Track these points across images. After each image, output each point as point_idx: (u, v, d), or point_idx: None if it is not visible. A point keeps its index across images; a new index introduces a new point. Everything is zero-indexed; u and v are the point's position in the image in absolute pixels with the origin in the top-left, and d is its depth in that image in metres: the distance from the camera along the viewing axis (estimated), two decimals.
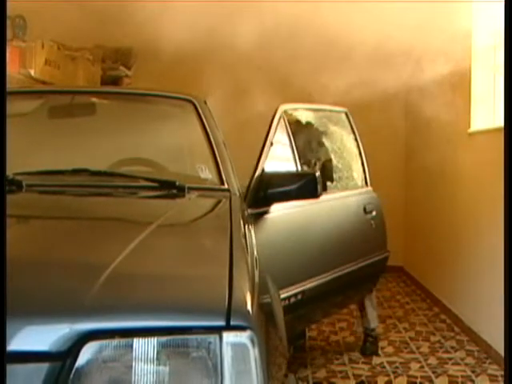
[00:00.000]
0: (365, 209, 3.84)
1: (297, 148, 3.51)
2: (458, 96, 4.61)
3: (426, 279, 5.64)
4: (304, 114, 3.60)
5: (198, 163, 2.57)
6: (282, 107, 3.24)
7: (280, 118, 3.17)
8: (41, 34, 4.68)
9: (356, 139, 4.03)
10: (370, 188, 4.08)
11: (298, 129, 3.81)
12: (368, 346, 4.16)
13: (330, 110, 3.93)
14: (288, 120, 3.40)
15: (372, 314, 4.20)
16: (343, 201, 3.67)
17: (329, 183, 3.85)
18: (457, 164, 4.78)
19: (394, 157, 6.41)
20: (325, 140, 4.11)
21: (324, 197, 3.48)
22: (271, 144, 2.99)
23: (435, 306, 5.18)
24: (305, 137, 3.95)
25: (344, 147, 4.13)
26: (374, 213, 3.91)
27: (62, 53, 4.81)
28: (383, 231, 4.07)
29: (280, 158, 3.22)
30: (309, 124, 3.79)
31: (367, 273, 3.81)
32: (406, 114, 6.25)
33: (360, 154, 4.05)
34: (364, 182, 4.06)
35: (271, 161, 2.99)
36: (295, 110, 3.51)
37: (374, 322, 4.20)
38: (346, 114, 4.01)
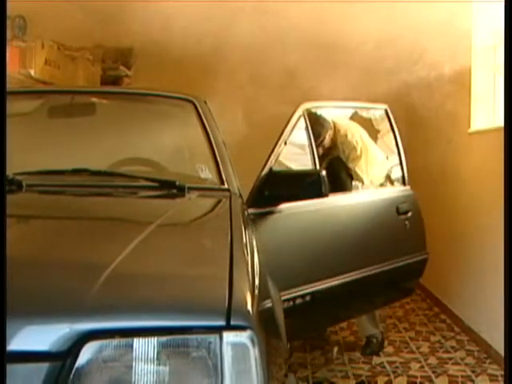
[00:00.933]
0: (397, 209, 3.65)
1: (318, 148, 3.34)
2: (458, 96, 4.61)
3: (426, 279, 5.64)
4: (329, 112, 3.48)
5: (198, 163, 2.57)
6: (304, 106, 3.13)
7: (299, 117, 3.06)
8: (41, 34, 4.67)
9: (395, 137, 3.85)
10: (407, 187, 3.87)
11: (320, 128, 3.72)
12: (370, 345, 4.12)
13: (367, 108, 3.79)
14: (310, 118, 3.22)
15: (370, 320, 4.12)
16: (367, 200, 3.54)
17: (354, 182, 3.76)
18: (457, 164, 4.78)
19: None
20: (350, 138, 3.97)
21: (343, 196, 3.42)
22: (285, 143, 2.94)
23: (435, 306, 5.18)
24: (328, 135, 3.85)
25: (370, 145, 3.97)
26: (409, 213, 3.70)
27: (61, 53, 4.81)
28: (420, 232, 3.82)
29: (296, 159, 3.14)
30: (334, 122, 3.69)
31: (396, 276, 3.59)
32: (406, 114, 6.24)
33: (399, 152, 3.88)
34: (401, 181, 3.88)
35: (286, 161, 2.95)
36: (318, 108, 3.37)
37: (371, 329, 4.12)
38: (386, 111, 3.83)
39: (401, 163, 3.88)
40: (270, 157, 2.83)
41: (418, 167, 6.05)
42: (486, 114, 4.42)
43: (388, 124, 3.84)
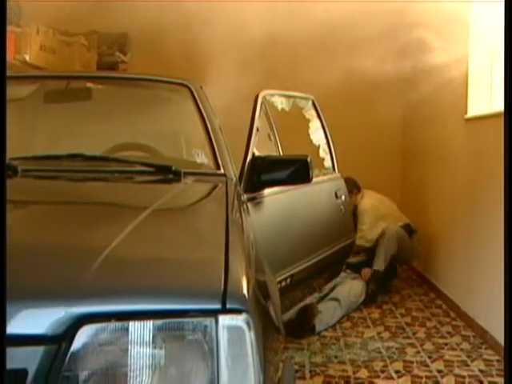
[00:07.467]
0: (336, 194, 3.89)
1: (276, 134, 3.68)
2: (455, 81, 4.60)
3: (422, 265, 5.66)
4: (280, 100, 3.57)
5: (194, 148, 2.56)
6: (263, 93, 3.21)
7: (262, 103, 3.15)
8: (36, 20, 4.65)
9: (323, 125, 4.02)
10: (338, 174, 4.11)
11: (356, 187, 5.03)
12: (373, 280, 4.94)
13: (300, 97, 3.88)
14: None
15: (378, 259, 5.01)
16: (320, 186, 3.66)
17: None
18: (454, 150, 4.78)
19: (390, 143, 6.40)
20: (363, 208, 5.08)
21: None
22: (257, 129, 2.98)
23: (431, 292, 5.20)
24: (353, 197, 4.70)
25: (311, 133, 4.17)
26: (343, 198, 3.98)
27: (57, 38, 4.80)
28: (351, 215, 4.25)
29: (263, 144, 3.23)
30: (283, 111, 3.80)
31: (339, 256, 3.92)
32: (403, 100, 6.24)
33: (327, 140, 4.05)
34: (332, 167, 4.08)
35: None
36: (272, 96, 3.45)
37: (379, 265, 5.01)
38: (313, 101, 3.98)
39: (330, 151, 4.06)
40: (249, 143, 2.82)
41: (414, 154, 6.05)
42: (483, 100, 4.41)
43: (315, 114, 3.98)
